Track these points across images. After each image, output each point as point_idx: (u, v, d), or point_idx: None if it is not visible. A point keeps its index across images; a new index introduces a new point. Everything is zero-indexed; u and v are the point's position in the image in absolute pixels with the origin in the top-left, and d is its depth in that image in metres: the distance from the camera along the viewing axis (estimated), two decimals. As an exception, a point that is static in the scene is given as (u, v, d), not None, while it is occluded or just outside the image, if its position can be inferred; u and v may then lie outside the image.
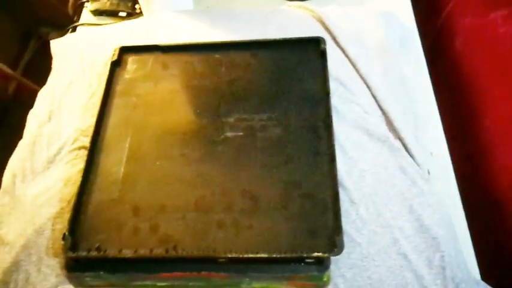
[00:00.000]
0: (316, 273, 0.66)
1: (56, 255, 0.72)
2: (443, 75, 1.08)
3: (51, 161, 0.82)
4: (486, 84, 0.94)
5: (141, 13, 1.11)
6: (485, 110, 0.93)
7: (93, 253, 0.67)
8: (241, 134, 0.76)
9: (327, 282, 0.67)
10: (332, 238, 0.64)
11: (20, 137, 0.91)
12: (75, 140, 0.83)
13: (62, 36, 1.18)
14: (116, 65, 0.86)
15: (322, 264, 0.66)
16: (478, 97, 0.96)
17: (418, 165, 0.76)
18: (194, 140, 0.77)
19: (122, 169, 0.74)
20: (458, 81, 1.04)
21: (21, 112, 1.72)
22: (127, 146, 0.77)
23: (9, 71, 1.61)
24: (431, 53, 1.06)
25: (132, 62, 0.87)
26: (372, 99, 0.84)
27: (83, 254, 0.67)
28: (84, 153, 0.81)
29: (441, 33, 1.18)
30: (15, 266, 0.71)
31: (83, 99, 0.89)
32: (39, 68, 1.85)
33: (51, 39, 1.89)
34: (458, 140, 0.94)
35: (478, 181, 0.90)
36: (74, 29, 1.16)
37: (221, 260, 0.66)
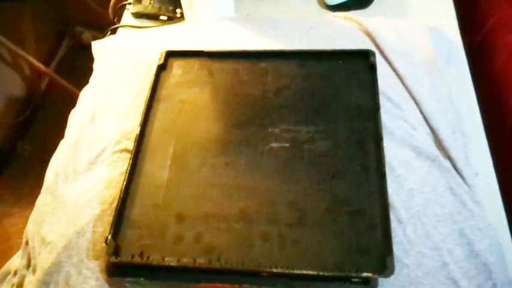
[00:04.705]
0: (362, 294, 0.64)
1: (96, 258, 0.71)
2: (482, 94, 1.06)
3: (92, 162, 0.82)
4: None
5: (182, 17, 1.11)
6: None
7: (137, 259, 0.66)
8: (287, 145, 0.75)
9: (372, 304, 0.65)
10: (382, 258, 0.63)
11: (51, 132, 0.91)
12: (117, 143, 0.83)
13: (96, 36, 1.20)
14: (162, 69, 0.86)
15: (370, 284, 0.64)
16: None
17: (468, 186, 0.74)
18: (239, 149, 0.76)
19: (166, 174, 0.74)
20: (498, 100, 1.01)
21: (52, 108, 1.75)
22: (171, 151, 0.76)
23: (42, 67, 1.63)
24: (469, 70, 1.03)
25: (177, 67, 0.87)
26: (420, 115, 0.82)
27: (126, 259, 0.66)
28: (126, 156, 0.81)
29: (481, 50, 1.16)
30: (56, 267, 0.70)
31: (126, 102, 0.89)
32: (71, 66, 1.88)
33: (84, 39, 1.92)
34: (503, 160, 0.91)
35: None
36: (113, 31, 1.17)
37: (264, 274, 0.65)
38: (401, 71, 0.86)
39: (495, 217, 0.76)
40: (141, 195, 0.72)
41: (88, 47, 1.17)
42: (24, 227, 0.79)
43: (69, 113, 0.93)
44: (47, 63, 1.72)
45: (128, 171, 0.73)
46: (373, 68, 0.81)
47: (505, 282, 0.66)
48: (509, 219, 0.78)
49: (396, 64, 0.87)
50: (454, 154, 0.76)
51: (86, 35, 1.89)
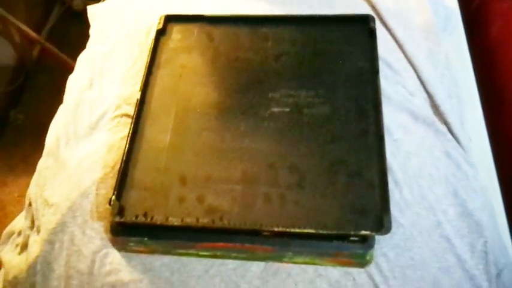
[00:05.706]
0: (360, 251, 0.66)
1: (100, 219, 0.73)
2: (477, 61, 1.06)
3: (93, 127, 0.82)
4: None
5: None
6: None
7: (141, 219, 0.67)
8: (287, 110, 0.76)
9: (369, 261, 0.67)
10: (379, 217, 0.65)
11: (44, 100, 0.90)
12: (117, 107, 0.83)
13: (86, 2, 1.17)
14: (161, 34, 0.85)
15: (367, 243, 0.66)
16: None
17: (463, 149, 0.76)
18: (240, 113, 0.76)
19: (168, 138, 0.74)
20: (493, 67, 1.02)
21: (44, 76, 1.72)
22: (172, 115, 0.77)
23: (33, 34, 1.59)
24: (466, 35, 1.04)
25: (176, 32, 0.86)
26: (418, 81, 0.83)
27: (131, 219, 0.67)
28: (126, 121, 0.82)
29: (477, 16, 1.16)
30: (60, 227, 0.72)
31: (125, 67, 0.88)
32: (62, 34, 1.84)
33: (75, 6, 1.88)
34: (496, 125, 0.93)
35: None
36: (109, -5, 1.14)
37: (265, 233, 0.67)
38: (400, 36, 0.86)
39: (487, 179, 0.79)
40: (143, 158, 0.73)
41: (79, 15, 1.14)
42: (18, 196, 0.79)
43: (61, 81, 0.92)
44: (38, 31, 1.68)
45: (129, 135, 0.74)
46: (372, 33, 0.81)
47: (495, 240, 0.69)
48: (500, 181, 0.80)
49: (395, 30, 0.87)
50: (450, 119, 0.78)
51: (77, 1, 1.84)
